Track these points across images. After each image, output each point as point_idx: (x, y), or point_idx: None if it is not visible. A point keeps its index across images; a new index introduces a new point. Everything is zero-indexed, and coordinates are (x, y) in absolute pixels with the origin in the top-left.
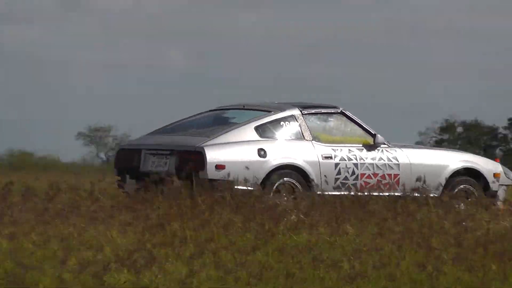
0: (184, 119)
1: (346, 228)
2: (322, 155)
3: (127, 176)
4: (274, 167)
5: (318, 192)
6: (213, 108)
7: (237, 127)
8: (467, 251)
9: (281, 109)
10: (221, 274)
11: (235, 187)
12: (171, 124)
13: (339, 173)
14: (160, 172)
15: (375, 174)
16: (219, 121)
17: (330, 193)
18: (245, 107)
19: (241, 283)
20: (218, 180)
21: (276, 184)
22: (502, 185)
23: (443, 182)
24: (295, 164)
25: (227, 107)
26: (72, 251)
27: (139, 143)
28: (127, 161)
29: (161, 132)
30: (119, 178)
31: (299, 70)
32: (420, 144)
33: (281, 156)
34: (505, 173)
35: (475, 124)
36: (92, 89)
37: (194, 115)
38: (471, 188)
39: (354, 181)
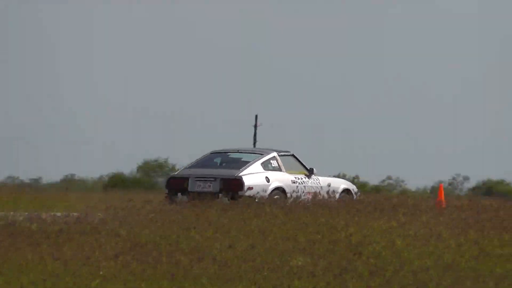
0: (203, 157)
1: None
2: (290, 180)
3: (179, 194)
4: (274, 188)
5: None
6: (214, 151)
7: (251, 164)
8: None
9: (267, 152)
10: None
11: (256, 200)
12: (196, 161)
13: (297, 191)
14: (206, 191)
15: (310, 192)
16: (233, 160)
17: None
18: (239, 151)
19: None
20: (249, 196)
21: (274, 196)
22: (356, 193)
23: (338, 194)
24: (281, 186)
25: (227, 150)
26: None
27: (186, 173)
28: (178, 184)
29: (195, 167)
30: (167, 195)
31: None
32: None
33: (275, 181)
34: (356, 190)
35: None
36: None
37: (207, 155)
38: (348, 196)
39: (304, 196)
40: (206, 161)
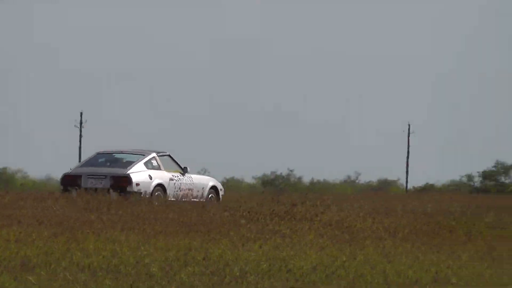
0: (91, 157)
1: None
2: (169, 178)
3: (74, 189)
4: (155, 185)
5: (170, 198)
6: (99, 152)
7: (136, 163)
8: None
9: (148, 153)
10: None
11: (142, 195)
12: (91, 158)
13: (174, 188)
14: (97, 187)
15: (186, 189)
16: (119, 160)
17: (173, 198)
18: (123, 151)
19: None
20: (135, 191)
21: (156, 193)
22: (221, 190)
23: (207, 192)
24: (162, 183)
25: (112, 151)
26: None
27: (79, 171)
28: (71, 181)
29: (85, 165)
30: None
31: None
32: None
33: (157, 179)
34: (221, 187)
35: None
36: None
37: (94, 156)
38: (214, 194)
39: (180, 192)
40: (94, 161)
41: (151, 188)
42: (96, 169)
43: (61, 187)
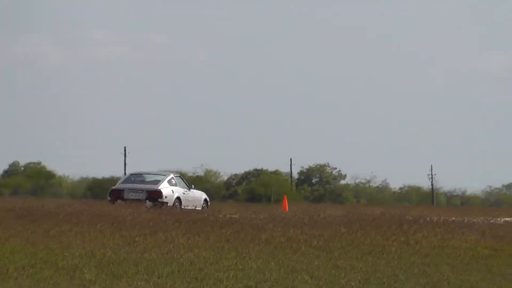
0: (127, 176)
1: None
2: (182, 193)
3: (118, 200)
4: (176, 197)
5: (184, 207)
6: (132, 172)
7: (162, 181)
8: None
9: (168, 174)
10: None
11: (168, 204)
12: (126, 177)
13: (185, 200)
14: (136, 199)
15: (192, 201)
16: (149, 178)
17: (188, 207)
18: (150, 173)
19: None
20: (164, 202)
21: (175, 203)
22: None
23: (203, 201)
24: (179, 196)
25: (142, 172)
26: None
27: (122, 187)
28: (116, 193)
29: (126, 182)
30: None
31: None
32: None
33: (176, 193)
34: (208, 199)
35: None
36: None
37: (129, 175)
38: (206, 204)
39: (189, 203)
40: (131, 179)
41: (173, 200)
42: (134, 185)
43: (109, 198)
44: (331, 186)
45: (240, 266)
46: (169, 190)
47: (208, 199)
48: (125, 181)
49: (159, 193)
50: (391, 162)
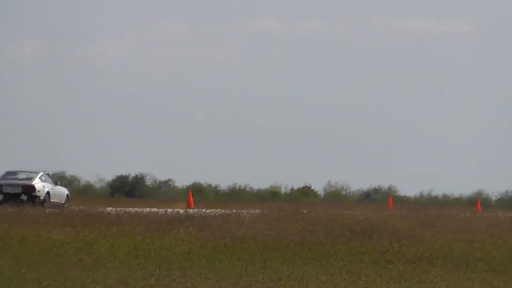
0: (6, 173)
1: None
2: (51, 187)
3: None
4: (46, 191)
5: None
6: (8, 171)
7: (34, 178)
8: None
9: (39, 171)
10: None
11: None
12: (3, 175)
13: (53, 193)
14: (13, 193)
15: (57, 194)
16: (23, 175)
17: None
18: (23, 170)
19: None
20: (38, 196)
21: (46, 198)
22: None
23: (66, 196)
24: (49, 190)
25: (16, 171)
26: None
27: (0, 182)
28: None
29: (4, 179)
30: None
31: None
32: None
33: (46, 188)
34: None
35: None
36: None
37: (8, 172)
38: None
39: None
40: (8, 176)
41: (44, 193)
42: (11, 181)
43: None
44: None
45: None
46: (40, 185)
47: (68, 195)
48: (2, 178)
49: (32, 188)
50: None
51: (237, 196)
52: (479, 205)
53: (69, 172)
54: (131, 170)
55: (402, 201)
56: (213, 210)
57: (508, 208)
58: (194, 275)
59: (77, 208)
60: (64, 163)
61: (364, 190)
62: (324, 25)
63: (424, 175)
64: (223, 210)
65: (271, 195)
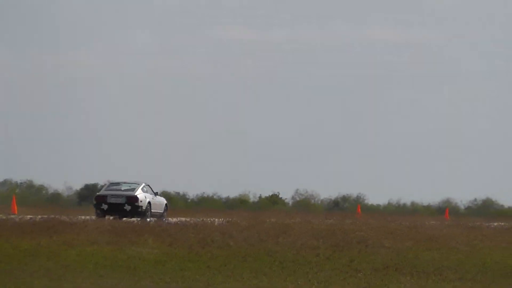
0: (110, 184)
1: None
2: (151, 197)
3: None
4: (147, 201)
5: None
6: (112, 181)
7: (137, 189)
8: None
9: (141, 183)
10: None
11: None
12: (107, 186)
13: (153, 203)
14: (117, 203)
15: (157, 204)
16: (126, 186)
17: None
18: (125, 182)
19: None
20: (141, 206)
21: (146, 206)
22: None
23: (165, 205)
24: (150, 201)
25: (119, 182)
26: None
27: (105, 193)
28: (101, 198)
29: (108, 190)
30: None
31: None
32: None
33: (148, 198)
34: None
35: None
36: None
37: (112, 183)
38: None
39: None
40: (112, 187)
41: (146, 203)
42: (115, 192)
43: (94, 203)
44: None
45: None
46: (142, 196)
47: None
48: (107, 189)
49: (135, 198)
50: None
51: (205, 204)
52: (448, 213)
53: (37, 181)
54: (99, 179)
55: (371, 210)
56: (182, 218)
57: (476, 216)
58: (163, 283)
59: (47, 217)
60: (32, 172)
61: (333, 199)
62: (292, 33)
63: (393, 183)
64: (192, 219)
65: (239, 203)
